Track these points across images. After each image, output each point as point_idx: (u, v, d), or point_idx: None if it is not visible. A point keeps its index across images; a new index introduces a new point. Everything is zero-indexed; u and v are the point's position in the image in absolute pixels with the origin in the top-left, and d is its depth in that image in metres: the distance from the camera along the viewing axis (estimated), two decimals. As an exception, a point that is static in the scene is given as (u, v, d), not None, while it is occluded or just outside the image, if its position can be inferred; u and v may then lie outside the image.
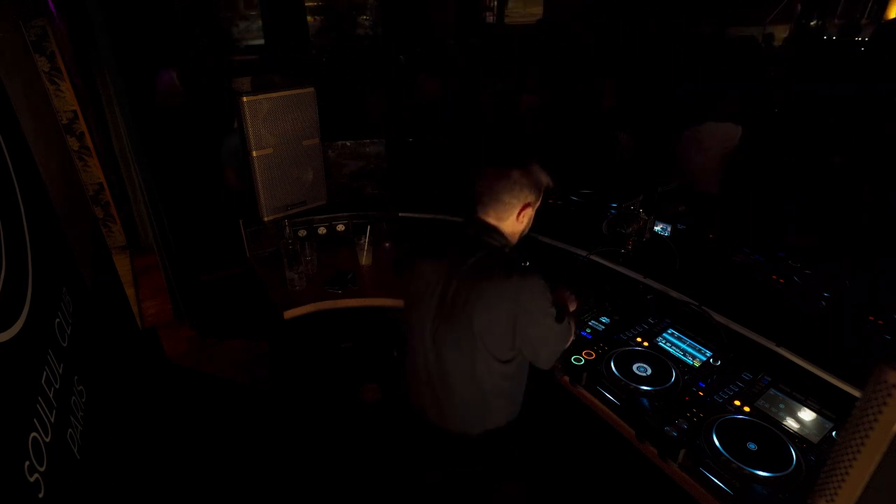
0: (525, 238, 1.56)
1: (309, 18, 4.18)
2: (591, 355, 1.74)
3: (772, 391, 1.57)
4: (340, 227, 2.63)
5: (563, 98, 3.75)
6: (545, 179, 1.49)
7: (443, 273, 1.43)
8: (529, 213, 1.48)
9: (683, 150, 3.08)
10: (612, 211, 2.16)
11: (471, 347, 1.40)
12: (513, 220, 1.46)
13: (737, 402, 1.53)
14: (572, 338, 1.59)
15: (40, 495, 1.07)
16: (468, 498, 1.65)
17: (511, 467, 1.63)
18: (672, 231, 2.00)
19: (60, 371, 1.40)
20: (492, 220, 1.46)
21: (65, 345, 1.51)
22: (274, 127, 2.25)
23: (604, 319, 1.94)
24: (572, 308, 1.80)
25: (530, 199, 1.45)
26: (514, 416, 1.57)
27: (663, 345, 1.80)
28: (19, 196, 1.49)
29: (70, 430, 1.35)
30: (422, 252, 1.54)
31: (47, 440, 1.18)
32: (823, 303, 1.68)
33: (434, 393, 1.52)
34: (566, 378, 1.67)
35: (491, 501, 1.65)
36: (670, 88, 3.89)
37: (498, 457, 1.59)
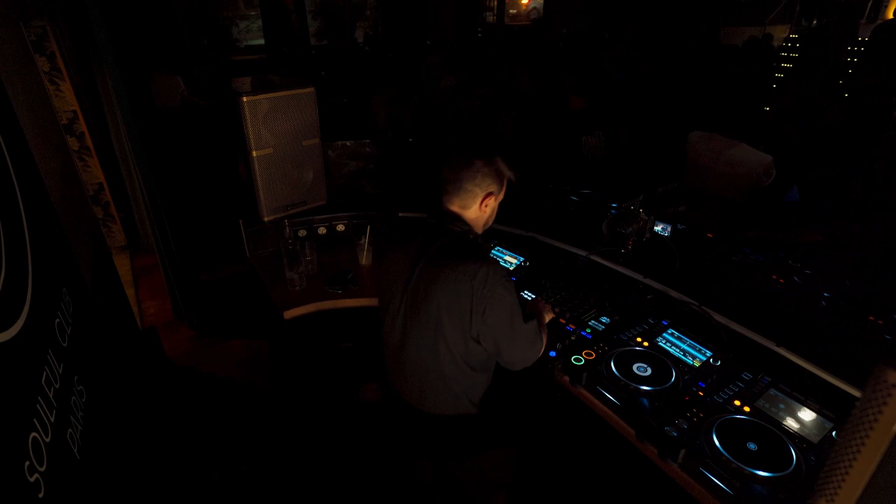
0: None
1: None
2: (591, 355, 1.74)
3: (772, 391, 1.57)
4: (340, 227, 2.63)
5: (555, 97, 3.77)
6: (507, 172, 1.56)
7: (408, 260, 1.50)
8: (492, 204, 1.55)
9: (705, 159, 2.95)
10: (612, 211, 2.16)
11: (433, 332, 1.45)
12: (476, 208, 1.52)
13: (737, 402, 1.53)
14: (542, 346, 1.61)
15: (40, 495, 1.07)
16: (459, 492, 1.66)
17: (495, 455, 1.65)
18: (672, 231, 2.00)
19: (60, 371, 1.40)
20: (455, 209, 1.53)
21: (65, 345, 1.51)
22: (274, 127, 2.25)
23: (604, 319, 1.94)
24: (548, 318, 1.83)
25: (493, 188, 1.52)
26: (480, 401, 1.60)
27: (663, 345, 1.80)
28: (19, 196, 1.49)
29: (70, 430, 1.34)
30: (391, 243, 1.63)
31: (47, 440, 1.18)
32: (823, 303, 1.68)
33: (406, 375, 1.57)
34: (566, 378, 1.67)
35: (480, 494, 1.66)
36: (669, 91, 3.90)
37: (479, 441, 1.61)
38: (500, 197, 1.58)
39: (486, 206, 1.53)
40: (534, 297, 2.04)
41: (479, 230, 1.59)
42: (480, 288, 1.38)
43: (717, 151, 2.80)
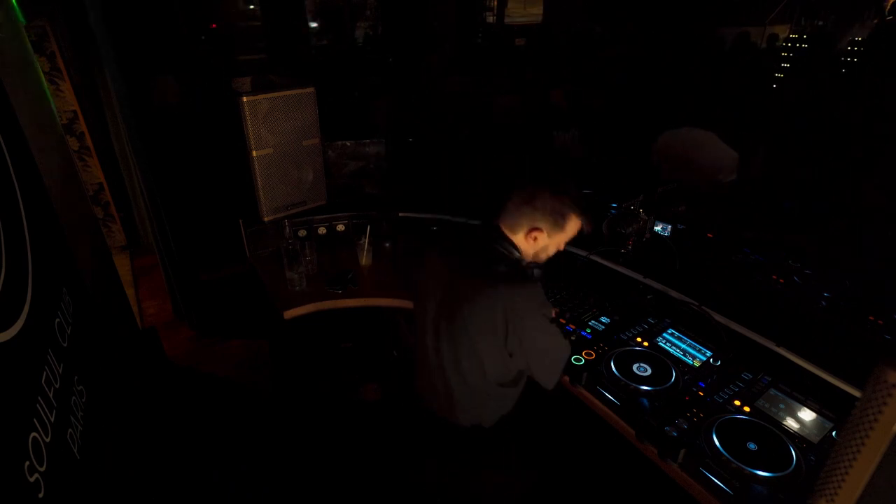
0: None
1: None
2: (591, 355, 1.74)
3: (772, 391, 1.57)
4: (340, 227, 2.63)
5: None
6: (576, 222, 1.48)
7: (448, 270, 1.49)
8: (543, 240, 1.47)
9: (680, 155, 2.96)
10: (612, 211, 2.16)
11: (465, 346, 1.44)
12: (521, 237, 1.47)
13: (737, 402, 1.53)
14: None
15: (40, 495, 1.07)
16: (464, 493, 1.66)
17: (506, 464, 1.64)
18: (672, 231, 2.00)
19: (60, 371, 1.40)
20: (505, 228, 1.49)
21: (65, 345, 1.51)
22: (274, 127, 2.25)
23: (604, 319, 1.94)
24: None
25: (542, 226, 1.45)
26: (505, 414, 1.58)
27: (663, 345, 1.80)
28: (19, 196, 1.49)
29: (70, 430, 1.34)
30: (433, 246, 1.60)
31: (47, 440, 1.18)
32: (823, 303, 1.68)
33: (434, 382, 1.56)
34: (566, 378, 1.67)
35: (484, 496, 1.66)
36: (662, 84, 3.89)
37: (493, 451, 1.60)
38: (557, 240, 1.51)
39: (533, 238, 1.47)
40: None
41: (529, 259, 1.53)
42: (521, 310, 1.35)
43: (687, 138, 2.81)
